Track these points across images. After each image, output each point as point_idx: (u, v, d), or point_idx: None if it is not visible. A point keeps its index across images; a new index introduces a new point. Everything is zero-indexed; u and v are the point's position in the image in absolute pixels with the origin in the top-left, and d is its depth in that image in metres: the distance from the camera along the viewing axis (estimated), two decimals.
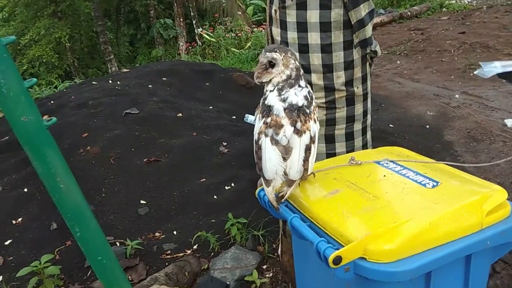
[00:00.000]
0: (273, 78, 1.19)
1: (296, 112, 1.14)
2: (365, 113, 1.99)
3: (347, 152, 1.96)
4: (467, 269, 1.04)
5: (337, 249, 0.94)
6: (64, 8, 11.52)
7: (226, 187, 2.88)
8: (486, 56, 6.20)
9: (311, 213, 1.12)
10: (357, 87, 1.88)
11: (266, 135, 1.14)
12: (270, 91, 1.20)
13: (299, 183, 1.19)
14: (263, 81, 1.20)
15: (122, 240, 2.43)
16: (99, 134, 3.27)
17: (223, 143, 3.36)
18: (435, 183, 1.12)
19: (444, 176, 1.17)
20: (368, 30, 1.80)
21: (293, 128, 1.12)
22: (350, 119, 1.92)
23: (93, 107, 3.67)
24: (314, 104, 1.20)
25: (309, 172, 1.14)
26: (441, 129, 4.03)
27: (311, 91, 1.22)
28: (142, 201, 2.79)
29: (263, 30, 8.39)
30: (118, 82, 4.43)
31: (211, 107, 4.18)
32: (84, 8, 11.98)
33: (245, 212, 2.57)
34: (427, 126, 4.12)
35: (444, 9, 9.40)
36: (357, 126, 1.95)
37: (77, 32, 12.14)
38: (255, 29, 8.49)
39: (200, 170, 3.05)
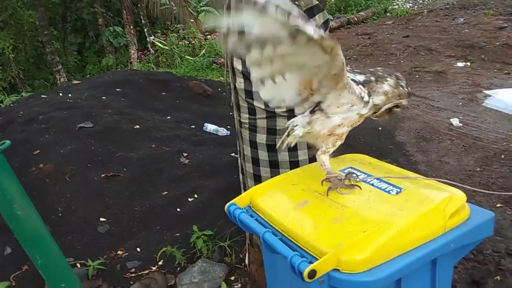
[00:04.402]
0: None
1: None
2: None
3: (309, 159, 1.99)
4: (433, 272, 1.08)
5: (311, 262, 0.95)
6: (6, 18, 10.93)
7: (189, 199, 2.84)
8: (430, 58, 6.54)
9: (282, 226, 1.12)
10: None
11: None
12: None
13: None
14: None
15: (83, 261, 2.33)
16: (52, 150, 3.13)
17: (184, 153, 3.31)
18: (398, 190, 1.16)
19: (406, 182, 1.22)
20: None
21: None
22: None
23: (44, 122, 3.50)
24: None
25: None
26: (393, 130, 4.19)
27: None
28: (101, 219, 2.69)
29: (216, 38, 8.37)
30: (70, 95, 4.26)
31: (169, 117, 4.11)
32: (28, 17, 11.40)
33: (210, 223, 2.54)
34: (380, 128, 4.27)
35: (388, 14, 9.81)
36: None
37: (21, 42, 11.55)
38: (208, 36, 8.45)
39: (161, 183, 2.99)
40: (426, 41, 7.14)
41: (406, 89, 1.15)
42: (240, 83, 1.93)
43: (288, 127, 1.26)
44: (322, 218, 1.09)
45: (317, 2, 1.74)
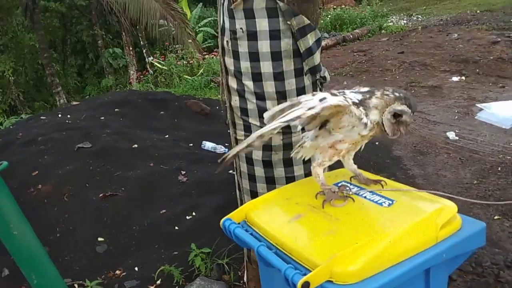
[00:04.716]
0: None
1: None
2: None
3: (305, 174, 2.01)
4: (427, 282, 1.09)
5: (305, 274, 0.96)
6: (6, 41, 11.10)
7: (187, 217, 2.84)
8: (425, 73, 6.61)
9: (276, 239, 1.13)
10: None
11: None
12: None
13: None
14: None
15: (81, 281, 2.33)
16: (51, 171, 3.14)
17: (182, 171, 3.33)
18: (390, 202, 1.18)
19: (399, 194, 1.24)
20: (316, 58, 1.88)
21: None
22: None
23: (43, 143, 3.53)
24: None
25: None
26: (390, 145, 4.21)
27: None
28: (99, 238, 2.69)
29: (214, 57, 8.49)
30: (68, 116, 4.29)
31: (167, 136, 4.14)
32: (28, 40, 11.58)
33: (208, 241, 2.54)
34: (377, 143, 4.29)
35: (383, 31, 9.95)
36: None
37: (22, 65, 11.69)
38: (206, 56, 8.57)
39: (160, 201, 2.99)
40: (421, 57, 7.23)
41: (392, 95, 1.18)
42: (235, 101, 1.97)
43: (301, 140, 1.35)
44: (316, 231, 1.11)
45: (309, 22, 1.78)
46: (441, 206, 1.13)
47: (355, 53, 8.44)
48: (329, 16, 10.71)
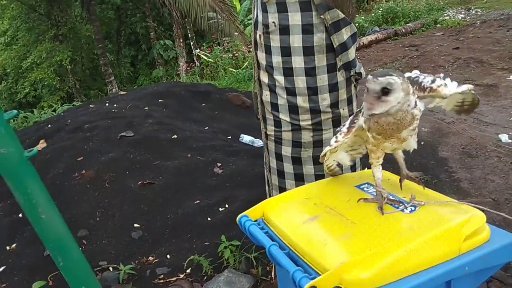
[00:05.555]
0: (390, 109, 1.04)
1: None
2: None
3: None
4: None
5: (313, 278, 0.94)
6: (65, 32, 11.75)
7: (220, 209, 2.87)
8: (480, 71, 6.22)
9: (290, 240, 1.11)
10: (343, 109, 1.89)
11: None
12: None
13: None
14: (377, 113, 1.04)
15: (115, 265, 2.42)
16: (94, 157, 3.29)
17: (218, 163, 3.36)
18: (413, 208, 1.12)
19: (424, 200, 1.17)
20: (351, 53, 1.82)
21: None
22: None
23: (89, 130, 3.69)
24: None
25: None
26: (436, 145, 4.02)
27: None
28: (136, 225, 2.78)
29: None
30: (115, 105, 4.47)
31: (206, 127, 4.19)
32: (85, 31, 12.22)
33: (239, 233, 2.54)
34: (422, 143, 4.10)
35: (438, 25, 9.47)
36: None
37: (78, 55, 12.35)
38: (252, 49, 8.59)
39: (195, 192, 3.04)
40: (477, 53, 6.82)
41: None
42: (266, 95, 1.96)
43: None
44: (330, 234, 1.07)
45: (344, 16, 1.73)
46: (467, 216, 1.05)
47: (406, 48, 8.09)
48: (381, 9, 10.34)
